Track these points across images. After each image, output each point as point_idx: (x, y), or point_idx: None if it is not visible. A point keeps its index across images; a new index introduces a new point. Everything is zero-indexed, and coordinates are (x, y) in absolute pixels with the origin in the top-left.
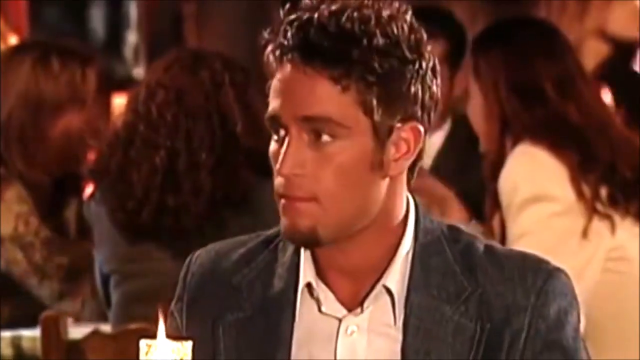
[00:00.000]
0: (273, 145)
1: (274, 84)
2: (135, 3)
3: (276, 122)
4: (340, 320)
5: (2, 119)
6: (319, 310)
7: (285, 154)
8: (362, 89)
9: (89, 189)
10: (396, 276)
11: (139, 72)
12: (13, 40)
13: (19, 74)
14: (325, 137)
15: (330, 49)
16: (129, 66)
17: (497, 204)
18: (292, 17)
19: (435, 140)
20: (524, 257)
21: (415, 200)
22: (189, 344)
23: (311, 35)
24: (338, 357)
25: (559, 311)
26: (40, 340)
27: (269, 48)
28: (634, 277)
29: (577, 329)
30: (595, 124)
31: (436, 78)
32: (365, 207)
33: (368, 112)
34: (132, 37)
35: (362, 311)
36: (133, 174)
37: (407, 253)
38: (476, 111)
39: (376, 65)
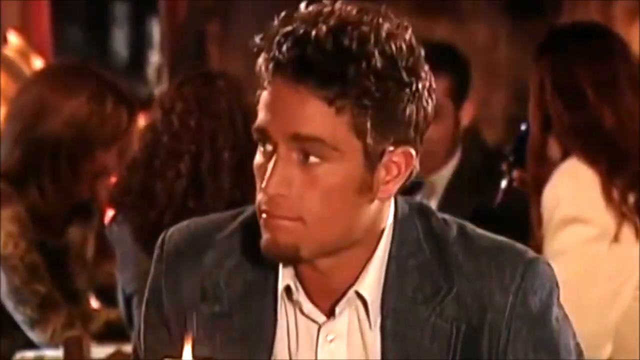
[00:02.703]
0: (258, 158)
1: (265, 96)
2: (158, 23)
3: (264, 135)
4: (319, 327)
5: (37, 135)
6: (301, 311)
7: (272, 172)
8: (357, 112)
9: (110, 213)
10: (370, 282)
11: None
12: (38, 62)
13: (71, 101)
14: (314, 158)
15: (326, 68)
16: (151, 86)
17: (540, 218)
18: (288, 29)
19: (446, 173)
20: (500, 248)
21: (396, 202)
22: None
23: (307, 53)
24: None
25: (540, 306)
26: None
27: (261, 58)
28: None
29: (558, 317)
30: (630, 132)
31: (432, 98)
32: (351, 229)
33: (361, 135)
34: (154, 58)
35: (334, 317)
36: (157, 185)
37: (382, 257)
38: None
39: (373, 87)
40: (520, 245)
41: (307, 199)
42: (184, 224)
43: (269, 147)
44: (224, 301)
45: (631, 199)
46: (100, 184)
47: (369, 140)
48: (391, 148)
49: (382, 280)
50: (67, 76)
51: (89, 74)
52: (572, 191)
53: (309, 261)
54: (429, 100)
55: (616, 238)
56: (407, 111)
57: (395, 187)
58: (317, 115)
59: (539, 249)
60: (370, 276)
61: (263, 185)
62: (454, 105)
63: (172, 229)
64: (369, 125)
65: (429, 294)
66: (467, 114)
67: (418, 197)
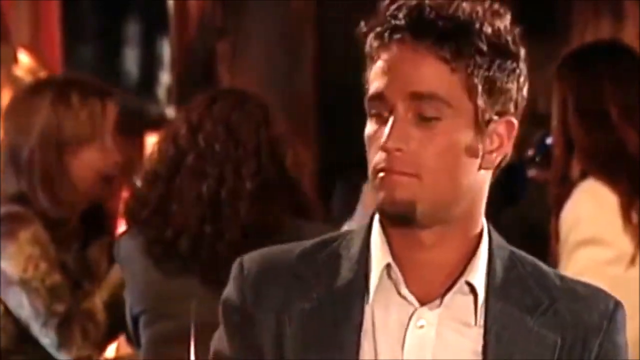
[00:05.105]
0: (370, 127)
1: (378, 65)
2: (168, 43)
3: (381, 100)
4: (414, 311)
5: (23, 160)
6: (398, 292)
7: (391, 129)
8: (470, 72)
9: (121, 229)
10: (478, 274)
11: (172, 112)
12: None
13: (38, 113)
14: (430, 116)
15: (444, 28)
16: (162, 106)
17: (558, 234)
18: (400, 3)
19: None
20: (589, 284)
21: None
22: None
23: (425, 15)
24: (405, 348)
25: (623, 342)
26: None
27: (373, 32)
28: None
29: None
30: None
31: (527, 83)
32: (461, 193)
33: (472, 96)
34: (165, 78)
35: (439, 305)
36: (174, 203)
37: (484, 257)
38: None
39: (484, 50)
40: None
41: (424, 155)
42: (255, 252)
43: (385, 112)
44: (313, 297)
45: None
46: (107, 193)
47: (480, 102)
48: (496, 118)
49: (484, 280)
50: (29, 94)
51: (47, 83)
52: (591, 212)
53: (422, 223)
54: (526, 84)
55: (633, 261)
56: (509, 84)
57: (498, 158)
58: (434, 73)
59: (555, 264)
60: (478, 268)
61: (382, 141)
62: None
63: (246, 255)
64: (480, 87)
65: (531, 305)
66: None
67: None
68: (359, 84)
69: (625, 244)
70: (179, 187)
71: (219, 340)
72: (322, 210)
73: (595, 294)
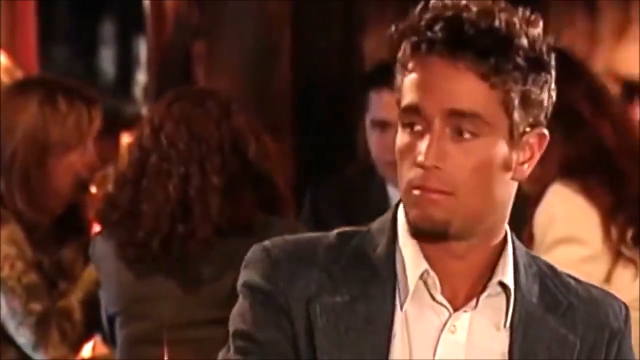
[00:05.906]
0: (403, 138)
1: (415, 76)
2: (144, 42)
3: (417, 113)
4: (449, 315)
5: (4, 158)
6: (432, 298)
7: (429, 146)
8: (508, 88)
9: (95, 229)
10: (508, 274)
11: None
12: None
13: (25, 113)
14: (467, 134)
15: (483, 44)
16: (138, 106)
17: (532, 235)
18: (434, 14)
19: None
20: (599, 287)
21: None
22: None
23: (465, 30)
24: (438, 351)
25: (632, 343)
26: None
27: (409, 41)
28: None
29: None
30: (629, 146)
31: (554, 91)
32: (494, 207)
33: (509, 111)
34: (141, 77)
35: (475, 307)
36: (144, 205)
37: (510, 258)
38: None
39: (522, 64)
40: None
41: (460, 172)
42: (277, 239)
43: (419, 127)
44: (344, 292)
45: (630, 233)
46: (88, 199)
47: (516, 116)
48: (528, 129)
49: (513, 280)
50: (14, 93)
51: (35, 84)
52: (565, 212)
53: (454, 239)
54: (554, 92)
55: (608, 278)
56: (542, 96)
57: (528, 170)
58: (473, 91)
59: None
60: (508, 268)
61: (420, 159)
62: None
63: (267, 242)
64: (516, 102)
65: (551, 305)
66: None
67: None
68: (336, 84)
69: (600, 242)
70: (147, 189)
71: (240, 320)
72: (294, 207)
73: (607, 296)
